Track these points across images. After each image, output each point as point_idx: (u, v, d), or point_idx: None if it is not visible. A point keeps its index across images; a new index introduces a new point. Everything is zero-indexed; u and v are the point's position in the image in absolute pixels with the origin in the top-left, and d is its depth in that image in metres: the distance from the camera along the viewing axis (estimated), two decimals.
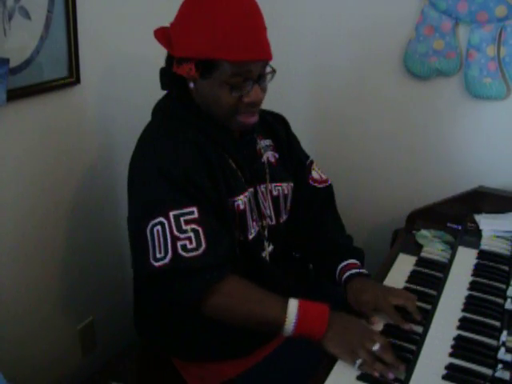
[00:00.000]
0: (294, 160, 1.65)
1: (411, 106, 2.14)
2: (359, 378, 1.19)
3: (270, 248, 1.52)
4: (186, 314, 1.42)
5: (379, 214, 2.29)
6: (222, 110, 1.37)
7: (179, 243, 1.26)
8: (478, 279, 1.55)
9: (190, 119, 1.41)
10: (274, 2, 2.13)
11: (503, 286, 1.52)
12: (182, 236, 1.26)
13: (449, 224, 1.91)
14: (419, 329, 1.35)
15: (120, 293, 2.00)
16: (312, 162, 1.69)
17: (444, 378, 1.17)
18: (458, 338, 1.30)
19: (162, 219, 1.27)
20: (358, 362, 1.19)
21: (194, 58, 1.32)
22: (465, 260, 1.66)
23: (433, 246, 1.76)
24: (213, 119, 1.41)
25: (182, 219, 1.27)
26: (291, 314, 1.25)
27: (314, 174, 1.67)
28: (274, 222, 1.54)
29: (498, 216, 1.89)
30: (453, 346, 1.27)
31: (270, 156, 1.58)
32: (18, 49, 1.46)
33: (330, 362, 1.24)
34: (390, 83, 2.14)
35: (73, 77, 1.64)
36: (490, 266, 1.62)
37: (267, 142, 1.60)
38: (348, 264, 1.51)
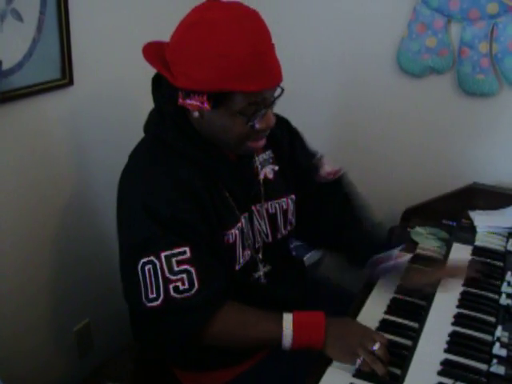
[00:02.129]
0: (296, 166, 1.59)
1: (404, 104, 2.15)
2: (355, 375, 1.19)
3: (267, 268, 1.49)
4: None
5: (374, 210, 2.29)
6: (232, 138, 1.29)
7: (171, 285, 1.22)
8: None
9: (181, 148, 1.32)
10: (267, 2, 2.13)
11: (498, 282, 1.52)
12: (173, 278, 1.23)
13: (443, 221, 1.92)
14: (415, 325, 1.35)
15: (116, 294, 1.98)
16: (321, 157, 1.64)
17: (439, 373, 1.18)
18: (453, 334, 1.31)
19: (153, 258, 1.23)
20: (358, 362, 1.20)
21: (205, 90, 1.20)
22: (460, 256, 1.66)
23: (428, 243, 1.77)
24: (207, 144, 1.32)
25: (173, 260, 1.23)
26: (287, 330, 1.24)
27: (327, 168, 1.62)
28: (270, 240, 1.49)
29: (493, 212, 1.90)
30: (448, 342, 1.28)
31: (268, 171, 1.51)
32: (11, 51, 1.45)
33: (326, 360, 1.24)
34: (383, 81, 2.15)
35: (66, 78, 1.64)
36: (484, 262, 1.62)
37: (266, 154, 1.52)
38: (380, 258, 1.52)
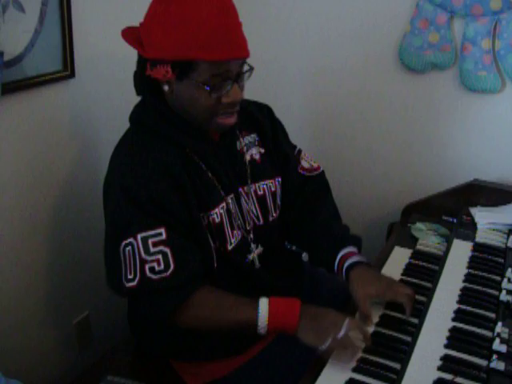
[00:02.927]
0: (280, 151, 1.60)
1: (406, 100, 2.14)
2: (355, 369, 1.19)
3: (259, 250, 1.50)
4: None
5: (375, 207, 2.30)
6: (200, 112, 1.32)
7: (147, 266, 1.26)
8: (473, 271, 1.56)
9: (163, 130, 1.36)
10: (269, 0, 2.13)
11: (498, 278, 1.52)
12: (149, 258, 1.26)
13: (444, 217, 1.92)
14: (415, 320, 1.35)
15: None
16: (300, 152, 1.66)
17: (439, 369, 1.18)
18: (453, 330, 1.31)
19: (131, 240, 1.27)
20: (322, 347, 1.21)
21: (169, 59, 1.26)
22: (460, 253, 1.66)
23: (428, 239, 1.77)
24: (189, 124, 1.37)
25: (149, 241, 1.26)
26: (262, 312, 1.25)
27: (304, 164, 1.64)
28: (261, 222, 1.51)
29: (493, 209, 1.90)
30: (448, 338, 1.28)
31: (254, 153, 1.53)
32: (12, 42, 1.45)
33: (320, 364, 1.24)
34: (385, 77, 2.14)
35: (67, 70, 1.63)
36: (485, 259, 1.62)
37: (251, 137, 1.55)
38: (347, 253, 1.49)
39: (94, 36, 1.71)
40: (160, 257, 1.26)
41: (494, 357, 1.19)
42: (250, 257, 1.48)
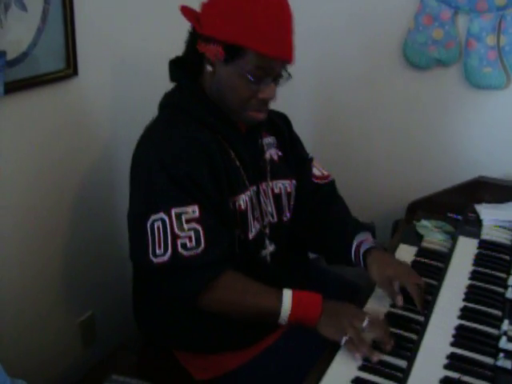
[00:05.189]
0: (296, 158, 1.65)
1: (410, 96, 2.14)
2: (361, 368, 1.19)
3: (272, 247, 1.52)
4: (185, 307, 1.42)
5: (379, 204, 2.29)
6: (236, 100, 1.37)
7: (179, 241, 1.27)
8: (478, 269, 1.55)
9: (199, 113, 1.40)
10: None
11: (504, 276, 1.52)
12: (182, 234, 1.28)
13: (449, 214, 1.91)
14: (421, 319, 1.35)
15: (120, 286, 2.00)
16: (312, 160, 1.69)
17: (445, 367, 1.17)
18: (459, 328, 1.30)
19: (163, 215, 1.28)
20: (344, 339, 1.22)
21: (223, 40, 1.31)
22: (465, 250, 1.66)
23: (433, 236, 1.76)
24: (222, 112, 1.41)
25: (183, 217, 1.28)
26: (286, 303, 1.28)
27: (315, 171, 1.67)
28: (275, 220, 1.53)
29: (499, 206, 1.89)
30: (454, 336, 1.27)
31: (273, 153, 1.57)
32: (15, 41, 1.44)
33: (331, 352, 1.24)
34: (390, 73, 2.14)
35: (70, 69, 1.63)
36: (490, 256, 1.62)
37: (271, 139, 1.59)
38: (362, 239, 1.52)
39: (97, 34, 1.71)
40: (192, 234, 1.28)
41: (501, 355, 1.19)
42: (264, 252, 1.50)
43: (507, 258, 1.61)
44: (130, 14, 1.83)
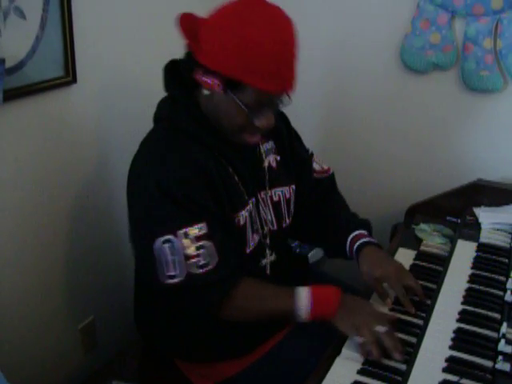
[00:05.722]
0: (296, 158, 1.64)
1: (408, 100, 2.14)
2: (359, 371, 1.19)
3: (273, 257, 1.52)
4: (185, 318, 1.43)
5: (378, 208, 2.29)
6: (231, 126, 1.34)
7: (191, 261, 1.28)
8: (477, 272, 1.55)
9: (194, 130, 1.37)
10: None
11: (503, 279, 1.52)
12: (193, 253, 1.28)
13: (448, 217, 1.91)
14: (419, 322, 1.35)
15: (121, 292, 2.00)
16: (312, 155, 1.68)
17: (444, 370, 1.18)
18: (458, 331, 1.30)
19: (170, 237, 1.28)
20: (360, 339, 1.23)
21: (222, 73, 1.26)
22: (464, 253, 1.65)
23: (432, 240, 1.76)
24: (217, 130, 1.38)
25: (191, 236, 1.28)
26: (304, 303, 1.29)
27: (315, 166, 1.67)
28: (275, 228, 1.53)
29: (497, 209, 1.89)
30: (453, 339, 1.28)
31: (271, 160, 1.56)
32: (14, 49, 1.45)
33: (331, 357, 1.24)
34: (387, 77, 2.14)
35: (69, 76, 1.63)
36: (489, 259, 1.62)
37: (269, 144, 1.57)
38: (357, 234, 1.54)
39: (95, 41, 1.71)
40: (204, 251, 1.28)
41: (500, 358, 1.19)
42: (264, 262, 1.50)
43: (506, 261, 1.61)
44: (129, 21, 1.83)
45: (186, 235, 1.27)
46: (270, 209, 1.52)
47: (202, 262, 1.28)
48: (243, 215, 1.41)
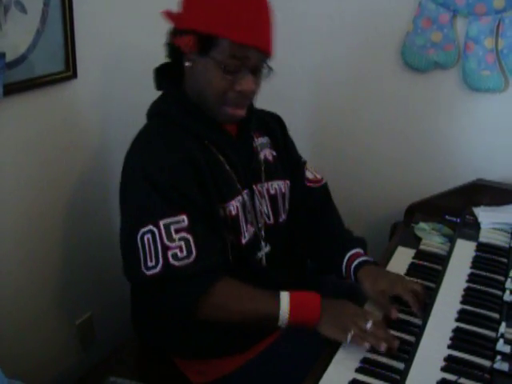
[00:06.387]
0: (290, 159, 1.64)
1: (409, 99, 2.14)
2: (358, 370, 1.19)
3: (267, 249, 1.51)
4: (184, 320, 1.42)
5: (378, 207, 2.29)
6: (212, 93, 1.34)
7: (170, 252, 1.26)
8: (476, 271, 1.55)
9: (184, 120, 1.39)
10: None
11: (502, 278, 1.52)
12: (172, 245, 1.26)
13: (447, 217, 1.91)
14: (418, 321, 1.35)
15: (118, 287, 1.99)
16: (305, 163, 1.69)
17: (443, 369, 1.17)
18: (456, 330, 1.30)
19: (152, 227, 1.27)
20: (349, 335, 1.22)
21: (195, 30, 1.30)
22: (463, 252, 1.65)
23: (431, 239, 1.76)
24: (206, 116, 1.39)
25: (172, 228, 1.27)
26: (284, 306, 1.26)
27: (308, 175, 1.66)
28: (271, 221, 1.53)
29: (497, 209, 1.89)
30: (451, 338, 1.27)
31: (267, 153, 1.56)
32: (14, 43, 1.44)
33: (329, 355, 1.24)
34: (388, 76, 2.14)
35: (70, 71, 1.63)
36: (488, 259, 1.62)
37: (264, 139, 1.58)
38: (353, 254, 1.52)
39: (96, 36, 1.71)
40: (183, 243, 1.26)
41: (498, 357, 1.18)
42: (260, 254, 1.49)
43: (505, 260, 1.61)
44: (130, 16, 1.83)
45: (167, 226, 1.27)
46: (267, 201, 1.51)
47: (181, 255, 1.26)
48: (234, 205, 1.40)
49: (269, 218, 1.52)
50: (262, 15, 1.34)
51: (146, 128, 1.44)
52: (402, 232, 1.85)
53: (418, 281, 1.51)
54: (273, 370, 1.42)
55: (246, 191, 1.46)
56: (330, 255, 1.57)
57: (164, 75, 1.44)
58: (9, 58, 1.42)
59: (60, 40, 1.58)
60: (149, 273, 1.27)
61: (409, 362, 1.19)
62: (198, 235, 1.28)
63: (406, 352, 1.23)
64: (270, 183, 1.53)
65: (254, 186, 1.49)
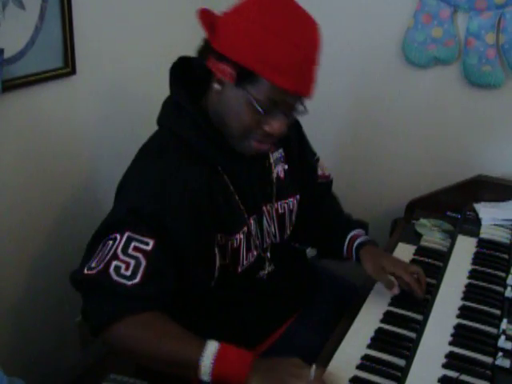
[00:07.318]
0: (303, 165, 1.57)
1: (409, 95, 2.13)
2: (359, 367, 1.19)
3: (271, 268, 1.47)
4: (186, 311, 1.41)
5: (378, 203, 2.29)
6: (238, 127, 1.23)
7: (114, 262, 1.17)
8: (477, 267, 1.55)
9: (197, 143, 1.27)
10: None
11: (503, 274, 1.51)
12: (122, 257, 1.17)
13: (448, 213, 1.91)
14: (419, 317, 1.35)
15: None
16: (318, 160, 1.64)
17: (444, 366, 1.17)
18: (457, 327, 1.30)
19: (117, 235, 1.19)
20: None
21: (236, 61, 1.17)
22: (464, 249, 1.65)
23: (432, 235, 1.76)
24: (223, 140, 1.27)
25: (133, 243, 1.18)
26: (209, 353, 1.09)
27: (319, 171, 1.64)
28: (277, 240, 1.49)
29: (498, 204, 1.89)
30: (453, 335, 1.27)
31: (279, 170, 1.49)
32: (13, 39, 1.44)
33: (330, 352, 1.24)
34: (388, 72, 2.13)
35: (68, 67, 1.63)
36: (489, 255, 1.62)
37: (278, 152, 1.50)
38: (355, 234, 1.53)
39: (94, 32, 1.70)
40: (133, 263, 1.17)
41: (499, 354, 1.19)
42: (262, 273, 1.45)
43: (506, 256, 1.61)
44: (129, 12, 1.82)
45: (129, 239, 1.18)
46: (275, 222, 1.46)
47: (123, 272, 1.16)
48: (237, 238, 1.34)
49: (275, 238, 1.48)
50: (313, 60, 1.22)
51: (153, 142, 1.34)
52: (403, 228, 1.85)
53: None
54: None
55: (253, 216, 1.39)
56: (331, 236, 1.57)
57: (181, 79, 1.31)
58: (7, 54, 1.41)
59: (59, 36, 1.58)
60: (86, 272, 1.19)
61: (410, 359, 1.19)
62: (153, 266, 1.18)
63: (407, 349, 1.23)
64: (279, 203, 1.47)
65: (263, 208, 1.42)
